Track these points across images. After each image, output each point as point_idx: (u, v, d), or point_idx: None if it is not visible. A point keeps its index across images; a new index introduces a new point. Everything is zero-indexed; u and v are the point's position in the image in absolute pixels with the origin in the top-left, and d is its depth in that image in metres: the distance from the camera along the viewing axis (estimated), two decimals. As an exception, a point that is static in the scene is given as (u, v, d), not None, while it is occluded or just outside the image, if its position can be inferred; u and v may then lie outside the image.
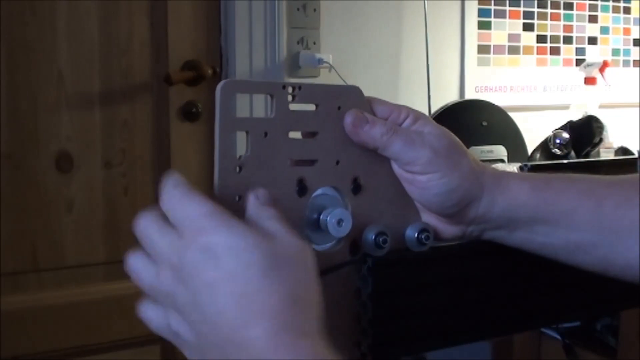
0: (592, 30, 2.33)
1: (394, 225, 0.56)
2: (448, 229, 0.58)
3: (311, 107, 0.53)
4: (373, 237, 0.54)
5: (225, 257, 0.41)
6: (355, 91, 0.55)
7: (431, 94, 1.92)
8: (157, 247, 0.44)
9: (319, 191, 0.53)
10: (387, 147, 0.54)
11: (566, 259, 0.57)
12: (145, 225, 0.45)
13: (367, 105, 0.55)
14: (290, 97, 0.52)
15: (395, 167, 0.56)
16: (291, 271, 0.42)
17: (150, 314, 0.46)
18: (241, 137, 0.50)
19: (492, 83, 2.15)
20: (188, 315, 0.43)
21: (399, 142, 0.54)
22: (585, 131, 1.88)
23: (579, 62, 2.27)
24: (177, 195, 0.45)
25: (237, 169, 0.49)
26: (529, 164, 1.20)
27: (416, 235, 0.56)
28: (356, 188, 0.55)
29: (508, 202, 0.55)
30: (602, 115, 1.96)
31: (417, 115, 0.55)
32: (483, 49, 2.13)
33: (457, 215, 0.56)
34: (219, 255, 0.41)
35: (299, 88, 0.52)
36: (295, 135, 0.52)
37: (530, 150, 1.94)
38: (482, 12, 2.12)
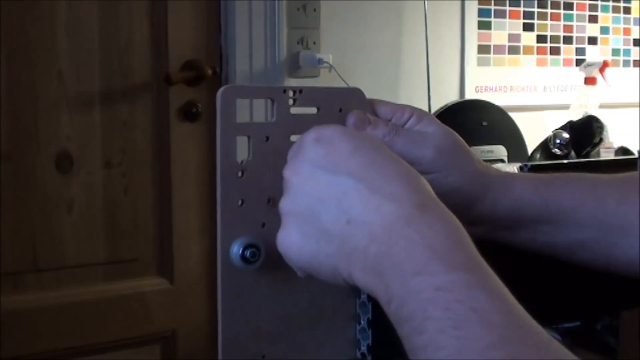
0: (592, 30, 2.33)
1: None
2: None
3: (312, 110, 0.53)
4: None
5: (338, 140, 0.45)
6: (356, 93, 0.55)
7: (431, 94, 1.92)
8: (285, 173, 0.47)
9: None
10: (389, 147, 0.54)
11: (569, 257, 0.57)
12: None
13: (368, 106, 0.55)
14: (291, 101, 0.52)
15: None
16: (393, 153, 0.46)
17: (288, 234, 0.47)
18: (243, 142, 0.50)
19: (492, 83, 2.15)
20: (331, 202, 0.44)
21: (401, 143, 0.53)
22: (585, 131, 1.88)
23: (579, 62, 2.26)
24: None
25: (239, 173, 0.49)
26: (529, 164, 1.20)
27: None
28: None
29: (512, 203, 0.55)
30: (602, 115, 1.96)
31: (421, 115, 0.55)
32: (483, 49, 2.13)
33: (460, 215, 0.56)
34: (333, 140, 0.45)
35: (300, 92, 0.52)
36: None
37: (530, 150, 1.94)
38: (482, 12, 2.11)
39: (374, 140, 0.47)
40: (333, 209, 0.44)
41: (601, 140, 1.89)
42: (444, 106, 1.92)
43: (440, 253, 0.40)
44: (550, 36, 2.25)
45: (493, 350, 0.35)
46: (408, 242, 0.41)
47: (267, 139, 0.50)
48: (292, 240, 0.46)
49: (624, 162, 1.39)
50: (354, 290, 0.55)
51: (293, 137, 0.52)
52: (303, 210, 0.45)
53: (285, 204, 0.46)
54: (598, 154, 1.89)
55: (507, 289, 0.39)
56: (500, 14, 2.15)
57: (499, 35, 2.15)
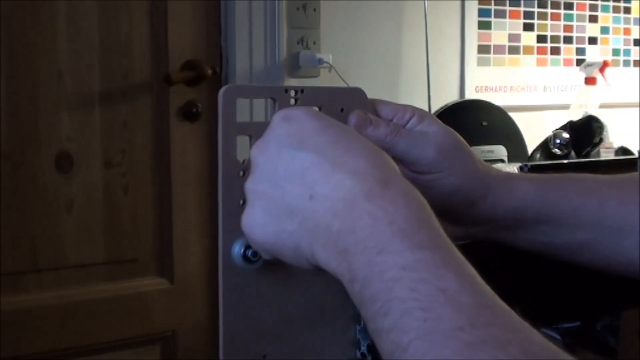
0: (592, 30, 2.33)
1: None
2: (452, 230, 0.57)
3: (314, 110, 0.53)
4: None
5: (305, 119, 0.45)
6: (358, 93, 0.55)
7: (431, 94, 1.92)
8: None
9: None
10: (391, 147, 0.54)
11: (569, 257, 0.57)
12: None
13: (370, 106, 0.55)
14: (292, 101, 0.52)
15: (400, 167, 0.55)
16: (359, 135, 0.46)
17: (251, 216, 0.46)
18: (244, 142, 0.50)
19: (492, 83, 2.15)
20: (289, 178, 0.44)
21: (402, 143, 0.54)
22: (585, 131, 1.88)
23: (579, 62, 2.27)
24: None
25: (241, 173, 0.49)
26: (529, 164, 1.20)
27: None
28: None
29: (513, 203, 0.55)
30: (602, 115, 1.96)
31: (423, 115, 0.55)
32: (483, 49, 2.13)
33: (461, 215, 0.56)
34: (300, 119, 0.45)
35: (302, 91, 0.52)
36: None
37: (530, 150, 1.95)
38: (482, 12, 2.11)
39: (341, 123, 0.47)
40: (297, 185, 0.43)
41: (601, 140, 1.89)
42: (444, 106, 1.92)
43: (404, 230, 0.39)
44: (551, 36, 2.25)
45: (462, 333, 0.34)
46: (371, 218, 0.40)
47: None
48: (255, 220, 0.45)
49: (624, 162, 1.39)
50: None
51: None
52: (267, 189, 0.45)
53: (250, 184, 0.46)
54: (598, 154, 1.90)
55: (474, 268, 0.38)
56: (500, 14, 2.15)
57: (499, 35, 2.15)
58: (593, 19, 2.32)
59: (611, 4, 2.35)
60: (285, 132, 0.45)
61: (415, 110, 0.55)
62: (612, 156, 1.92)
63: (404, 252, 0.38)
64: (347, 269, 0.40)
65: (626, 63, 2.40)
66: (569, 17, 2.27)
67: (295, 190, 0.43)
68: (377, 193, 0.41)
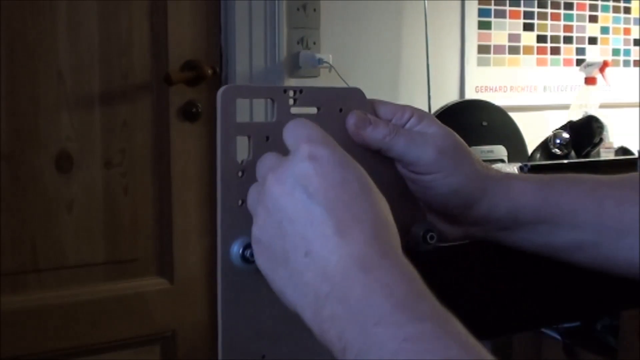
0: (592, 30, 2.33)
1: (399, 226, 0.56)
2: (451, 230, 0.58)
3: (313, 110, 0.53)
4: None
5: (331, 166, 0.44)
6: (357, 93, 0.55)
7: (431, 94, 1.92)
8: (263, 166, 0.47)
9: None
10: (390, 148, 0.54)
11: (568, 258, 0.57)
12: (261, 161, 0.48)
13: (369, 106, 0.55)
14: (291, 101, 0.52)
15: (399, 167, 0.55)
16: (378, 194, 0.45)
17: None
18: (244, 142, 0.50)
19: (492, 83, 2.15)
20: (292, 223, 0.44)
21: (401, 143, 0.54)
22: (585, 131, 1.88)
23: (579, 62, 2.27)
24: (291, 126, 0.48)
25: (240, 173, 0.49)
26: (529, 164, 1.20)
27: (422, 234, 0.56)
28: None
29: (512, 204, 0.55)
30: (602, 115, 1.96)
31: (422, 115, 0.55)
32: (483, 49, 2.13)
33: (460, 215, 0.56)
34: (325, 164, 0.44)
35: (300, 92, 0.52)
36: None
37: (530, 150, 1.95)
38: (482, 12, 2.11)
39: (364, 176, 0.45)
40: (297, 235, 0.43)
41: (601, 140, 1.89)
42: (444, 106, 1.92)
43: (403, 303, 0.39)
44: (550, 36, 2.25)
45: None
46: (366, 289, 0.39)
47: (267, 138, 0.50)
48: (260, 241, 0.45)
49: (624, 162, 1.39)
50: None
51: None
52: (275, 222, 0.44)
53: (261, 209, 0.45)
54: (598, 154, 1.90)
55: (471, 335, 0.38)
56: (500, 14, 2.15)
57: (499, 35, 2.15)
58: (593, 19, 2.32)
59: (611, 4, 2.35)
60: (306, 172, 0.44)
61: (414, 111, 0.55)
62: (612, 156, 1.92)
63: (405, 325, 0.38)
64: (338, 337, 0.39)
65: (626, 63, 2.40)
66: (569, 17, 2.27)
67: (295, 239, 0.43)
68: (374, 264, 0.40)
